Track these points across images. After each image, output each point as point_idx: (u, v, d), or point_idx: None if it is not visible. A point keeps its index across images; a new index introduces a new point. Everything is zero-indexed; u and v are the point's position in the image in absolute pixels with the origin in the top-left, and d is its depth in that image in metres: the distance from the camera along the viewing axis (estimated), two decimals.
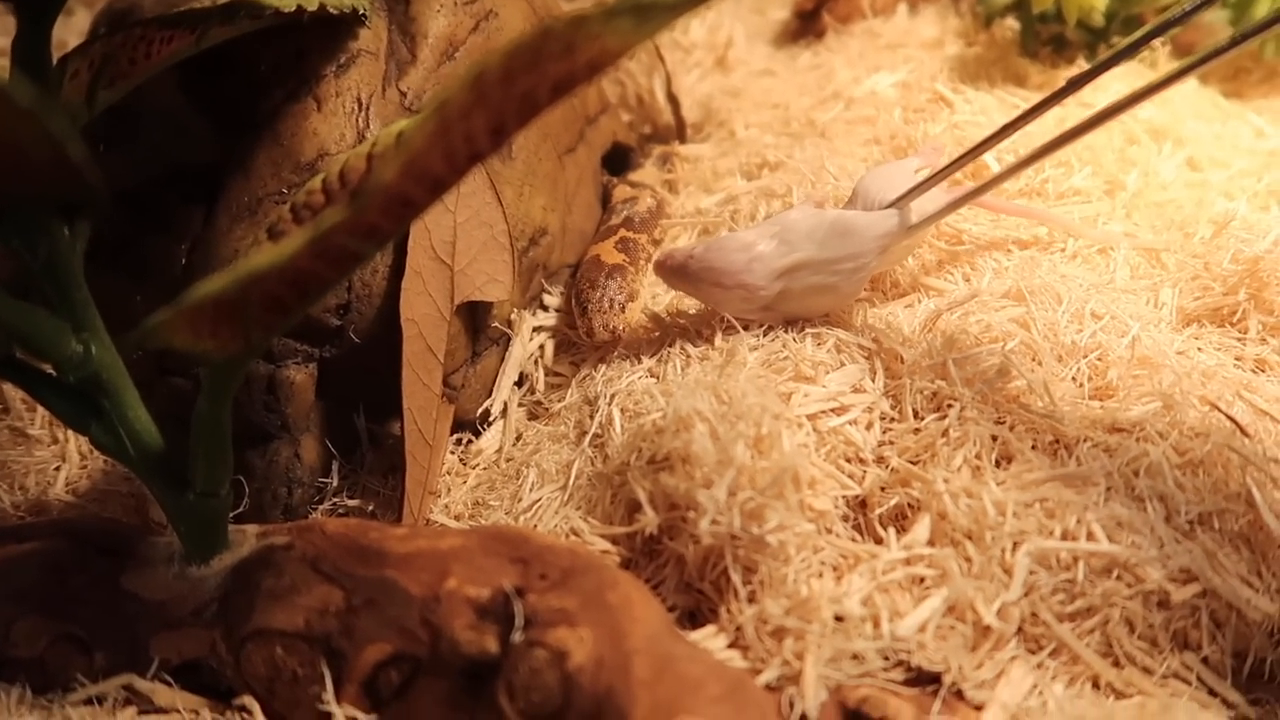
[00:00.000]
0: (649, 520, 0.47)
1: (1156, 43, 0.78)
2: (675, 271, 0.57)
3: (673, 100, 0.84)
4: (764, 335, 0.55)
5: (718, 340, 0.56)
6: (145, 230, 0.58)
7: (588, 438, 0.54)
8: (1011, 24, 0.85)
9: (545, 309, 0.66)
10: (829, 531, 0.48)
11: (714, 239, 0.57)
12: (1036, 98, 0.76)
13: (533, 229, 0.64)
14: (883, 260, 0.57)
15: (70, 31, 0.85)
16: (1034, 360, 0.52)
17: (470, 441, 0.60)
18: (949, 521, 0.46)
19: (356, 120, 0.56)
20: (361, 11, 0.55)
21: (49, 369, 0.43)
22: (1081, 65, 0.79)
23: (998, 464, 0.49)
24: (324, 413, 0.56)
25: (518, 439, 0.60)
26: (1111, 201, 0.68)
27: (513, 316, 0.62)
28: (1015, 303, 0.56)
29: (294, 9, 0.49)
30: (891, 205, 0.57)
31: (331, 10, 0.52)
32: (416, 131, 0.33)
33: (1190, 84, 0.80)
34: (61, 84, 0.44)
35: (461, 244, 0.58)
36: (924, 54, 0.83)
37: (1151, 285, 0.60)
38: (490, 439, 0.60)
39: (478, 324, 0.60)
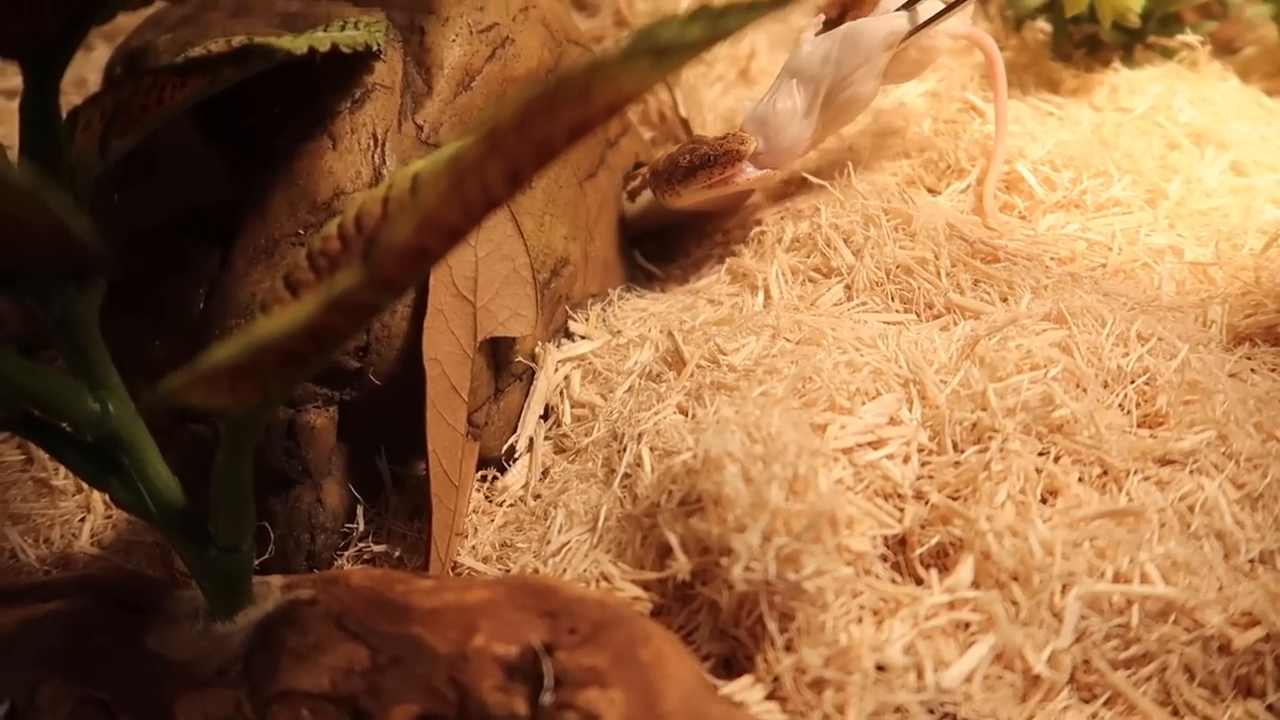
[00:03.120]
0: (681, 566, 0.45)
1: (1195, 41, 0.75)
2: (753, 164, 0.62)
3: (683, 123, 0.82)
4: (796, 362, 0.54)
5: (740, 361, 0.55)
6: (162, 272, 0.58)
7: (617, 477, 0.52)
8: (1043, 26, 0.83)
9: (570, 338, 0.64)
10: (868, 573, 0.46)
11: (756, 123, 0.62)
12: (1070, 104, 0.74)
13: (555, 260, 0.62)
14: (898, 65, 0.61)
15: (90, 67, 0.85)
16: (1078, 387, 0.50)
17: (496, 478, 0.59)
18: (993, 562, 0.44)
19: (372, 157, 0.55)
20: (375, 47, 0.54)
21: (67, 426, 0.43)
22: (1117, 68, 0.77)
23: (1043, 499, 0.47)
24: (346, 456, 0.55)
25: (544, 474, 0.59)
26: (1154, 211, 0.66)
27: (537, 350, 0.61)
28: (1056, 325, 0.54)
29: (305, 51, 0.49)
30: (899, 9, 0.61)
31: (344, 49, 0.51)
32: (430, 186, 0.31)
33: (1232, 83, 0.77)
34: (73, 137, 0.44)
35: (483, 279, 0.57)
36: (953, 61, 0.81)
37: (1199, 301, 0.57)
38: (516, 475, 0.59)
39: (501, 360, 0.59)
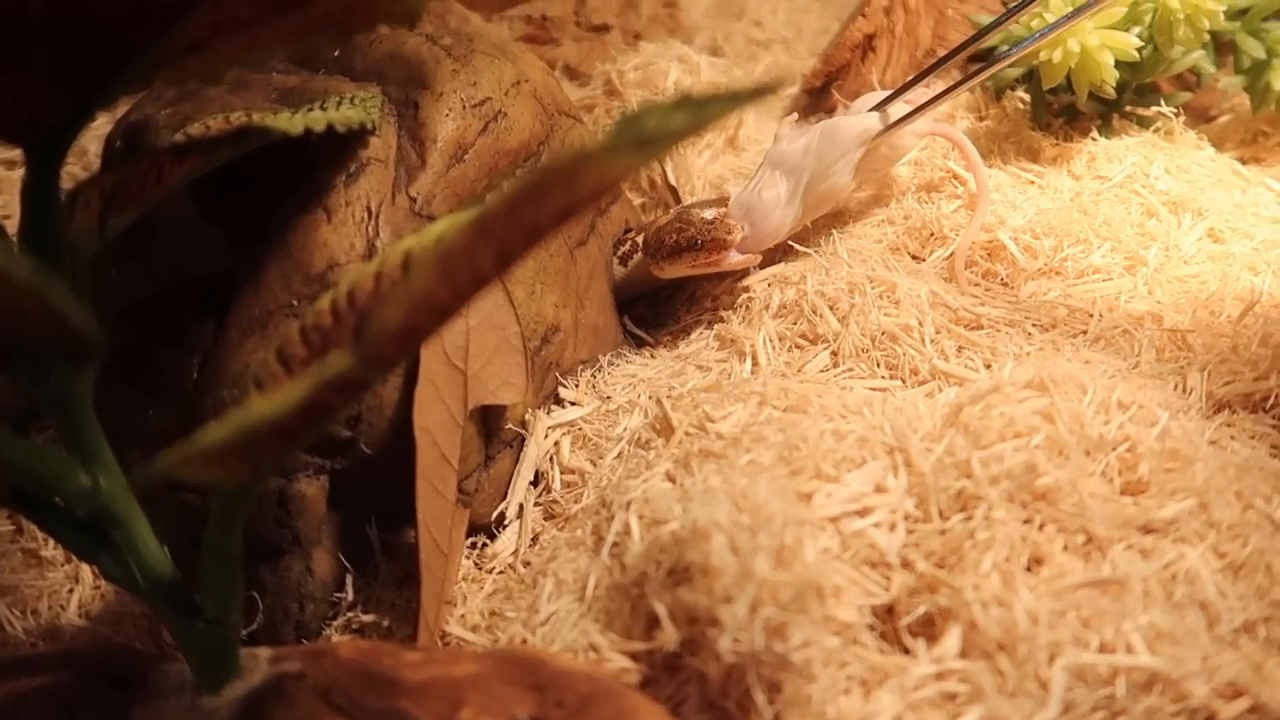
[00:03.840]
0: (668, 637, 0.45)
1: (1169, 111, 0.78)
2: (738, 249, 0.66)
3: (672, 191, 0.84)
4: (783, 429, 0.54)
5: (728, 428, 0.55)
6: (157, 343, 0.58)
7: (606, 545, 0.53)
8: (1022, 96, 0.85)
9: (560, 404, 0.65)
10: (855, 643, 0.46)
11: (742, 210, 0.66)
12: (1050, 173, 0.76)
13: (545, 327, 0.63)
14: (870, 160, 0.67)
15: (90, 137, 0.87)
16: (1061, 455, 0.51)
17: (485, 545, 0.59)
18: (980, 632, 0.44)
19: (366, 229, 0.57)
20: (370, 125, 0.56)
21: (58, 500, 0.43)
22: (1095, 137, 0.79)
23: (1029, 567, 0.47)
24: (336, 524, 0.55)
25: (534, 540, 0.59)
26: (1133, 278, 0.67)
27: (527, 417, 0.61)
28: (1039, 393, 0.54)
29: (302, 132, 0.50)
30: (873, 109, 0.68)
31: (339, 129, 0.52)
32: (422, 270, 0.32)
33: (1207, 151, 0.79)
34: (73, 215, 0.45)
35: (475, 348, 0.58)
36: (944, 123, 0.83)
37: (1179, 368, 0.58)
38: (506, 542, 0.59)
39: (491, 427, 0.59)
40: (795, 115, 0.73)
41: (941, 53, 0.93)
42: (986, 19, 0.89)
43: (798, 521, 0.46)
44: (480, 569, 0.58)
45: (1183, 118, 0.77)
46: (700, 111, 0.34)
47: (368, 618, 0.54)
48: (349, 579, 0.55)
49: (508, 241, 0.34)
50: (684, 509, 0.49)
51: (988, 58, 0.90)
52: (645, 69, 0.90)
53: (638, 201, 0.87)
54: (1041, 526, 0.48)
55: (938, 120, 0.74)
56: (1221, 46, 0.85)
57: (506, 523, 0.60)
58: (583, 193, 0.35)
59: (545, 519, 0.61)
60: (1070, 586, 0.45)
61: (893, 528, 0.50)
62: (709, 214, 0.66)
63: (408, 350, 0.37)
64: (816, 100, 0.96)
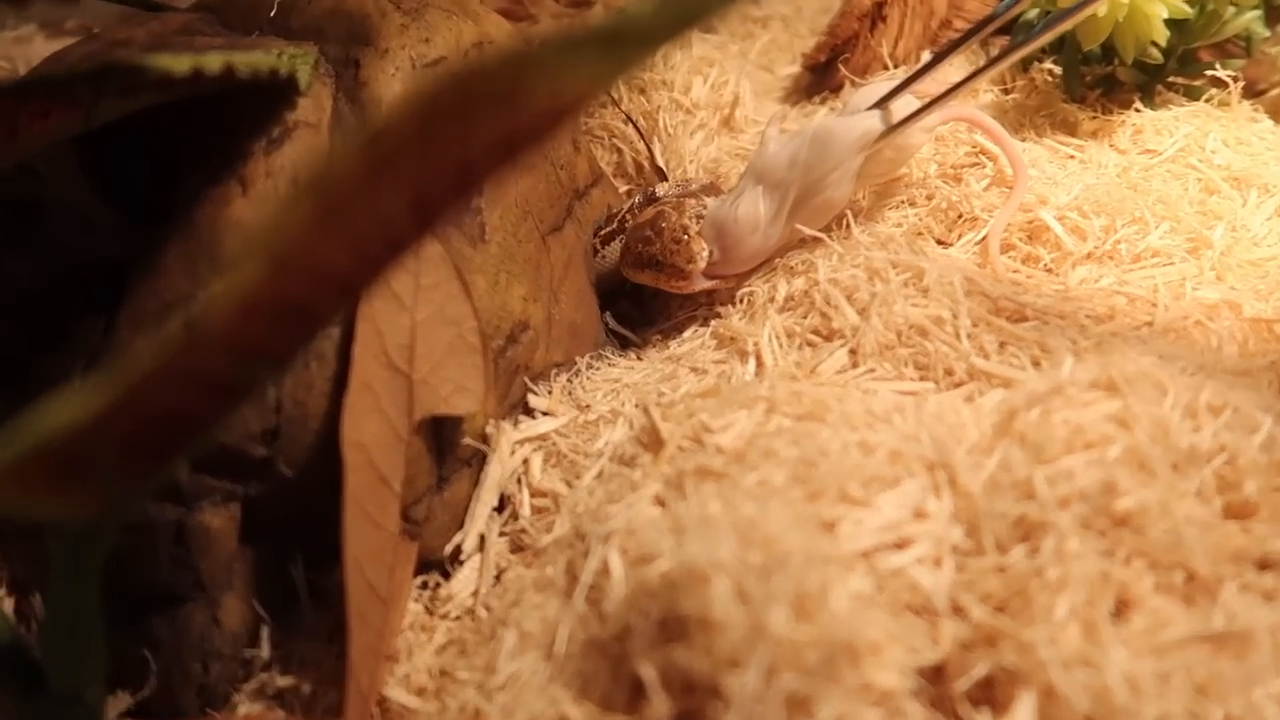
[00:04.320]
0: (658, 710, 0.35)
1: (1227, 77, 0.68)
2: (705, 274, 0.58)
3: (660, 174, 0.75)
4: (797, 442, 0.45)
5: (729, 441, 0.45)
6: (39, 348, 0.48)
7: (581, 589, 0.42)
8: (1051, 68, 0.76)
9: (530, 414, 0.55)
10: (899, 715, 0.36)
11: (714, 230, 0.58)
12: (1091, 146, 0.67)
13: (511, 324, 0.53)
14: (873, 166, 0.57)
15: None
16: (1143, 470, 0.41)
17: (439, 585, 0.49)
18: (1061, 702, 0.34)
19: None
20: (294, 79, 0.46)
21: None
22: (1139, 108, 0.69)
23: (1115, 614, 0.37)
24: (250, 564, 0.45)
25: (498, 578, 0.49)
26: (1198, 262, 0.57)
27: (489, 430, 0.51)
28: (1107, 395, 0.45)
29: (188, 72, 0.40)
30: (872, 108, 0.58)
31: (241, 74, 0.42)
32: (291, 220, 0.22)
33: (1265, 124, 0.70)
34: None
35: (422, 347, 0.48)
36: (956, 104, 0.74)
37: (1270, 364, 0.49)
38: (463, 581, 0.49)
39: (445, 443, 0.49)
40: (785, 114, 0.63)
41: (959, 24, 0.84)
42: None
43: (822, 559, 0.36)
44: (432, 614, 0.48)
45: (1242, 82, 0.68)
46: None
47: (286, 680, 0.44)
48: (265, 631, 0.45)
49: (426, 184, 0.24)
50: (677, 543, 0.39)
51: (1014, 29, 0.81)
52: None
53: (624, 189, 0.77)
54: (1127, 560, 0.39)
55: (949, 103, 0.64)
56: (1271, 12, 0.76)
57: (464, 557, 0.50)
58: (528, 116, 0.25)
59: (512, 551, 0.51)
60: (1177, 641, 0.35)
61: (938, 563, 0.40)
62: (684, 222, 0.59)
63: (297, 338, 0.27)
64: (821, 78, 0.86)
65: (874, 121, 0.57)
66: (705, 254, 0.58)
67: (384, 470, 0.45)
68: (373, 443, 0.44)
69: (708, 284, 0.59)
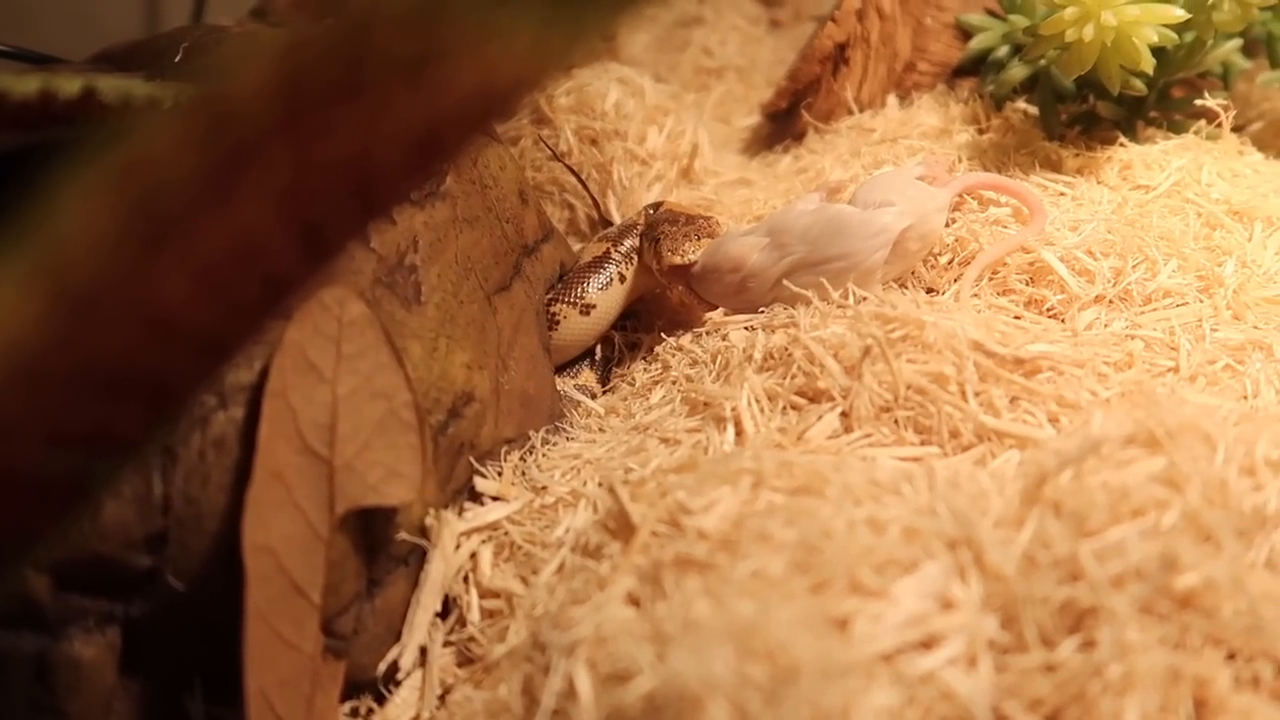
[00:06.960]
0: None
1: (1218, 106, 0.65)
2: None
3: (606, 225, 0.70)
4: (793, 521, 0.38)
5: (713, 523, 0.38)
6: None
7: (541, 714, 0.35)
8: (1025, 106, 0.72)
9: (477, 500, 0.48)
10: None
11: (709, 248, 0.59)
12: (1081, 183, 0.62)
13: (453, 396, 0.46)
14: (899, 260, 0.55)
15: None
16: (1205, 539, 0.35)
17: (372, 711, 0.41)
18: None
19: None
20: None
21: None
22: (1124, 143, 0.65)
23: (1195, 718, 0.31)
24: (134, 700, 0.37)
25: (442, 699, 0.42)
26: (1212, 301, 0.53)
27: (428, 521, 0.44)
28: (1148, 451, 0.39)
29: (35, 94, 0.33)
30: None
31: (107, 98, 0.35)
32: (89, 237, 0.15)
33: (1256, 156, 0.66)
34: None
35: (345, 426, 0.40)
36: (930, 145, 0.69)
37: None
38: (402, 704, 0.42)
39: (375, 539, 0.42)
40: (825, 189, 0.61)
41: (923, 66, 0.80)
42: (976, 19, 0.77)
43: (840, 670, 0.29)
44: None
45: (1233, 111, 0.64)
46: None
47: None
48: None
49: (300, 191, 0.18)
50: (659, 655, 0.32)
51: (978, 69, 0.78)
52: (579, 92, 0.76)
53: (577, 248, 0.71)
54: (1200, 651, 0.32)
55: (952, 173, 0.61)
56: (1248, 45, 0.73)
57: (402, 675, 0.42)
58: (449, 98, 0.18)
59: (459, 665, 0.43)
60: None
61: (974, 663, 0.33)
62: (700, 228, 0.61)
63: (145, 419, 0.20)
64: (783, 126, 0.82)
65: (890, 220, 0.54)
66: (689, 257, 0.59)
67: (298, 577, 0.37)
68: (283, 545, 0.37)
69: (668, 281, 0.60)
